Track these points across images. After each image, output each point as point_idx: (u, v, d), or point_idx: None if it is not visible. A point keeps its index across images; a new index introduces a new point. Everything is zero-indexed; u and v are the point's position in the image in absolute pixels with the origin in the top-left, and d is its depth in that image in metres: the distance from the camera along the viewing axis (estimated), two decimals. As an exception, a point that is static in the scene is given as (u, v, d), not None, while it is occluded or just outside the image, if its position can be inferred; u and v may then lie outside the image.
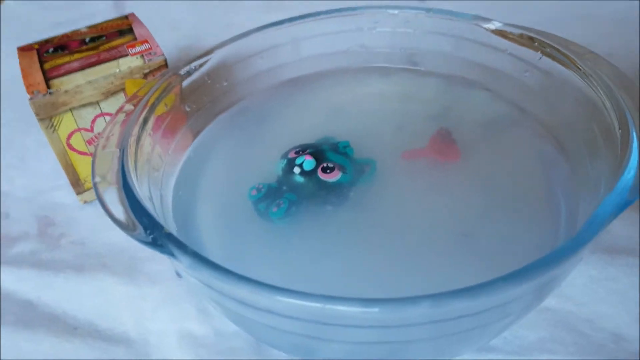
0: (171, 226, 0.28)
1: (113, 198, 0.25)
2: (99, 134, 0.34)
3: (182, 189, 0.31)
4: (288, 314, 0.21)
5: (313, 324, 0.21)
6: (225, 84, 0.35)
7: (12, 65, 0.37)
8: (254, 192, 0.30)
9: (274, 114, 0.37)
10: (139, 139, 0.28)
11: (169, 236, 0.22)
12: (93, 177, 0.26)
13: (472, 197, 0.30)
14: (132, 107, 0.30)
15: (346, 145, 0.32)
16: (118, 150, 0.27)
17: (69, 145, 0.34)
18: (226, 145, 0.35)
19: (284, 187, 0.30)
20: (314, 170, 0.30)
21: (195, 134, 0.34)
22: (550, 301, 0.28)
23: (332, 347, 0.23)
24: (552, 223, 0.28)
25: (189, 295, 0.30)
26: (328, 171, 0.30)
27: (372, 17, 0.38)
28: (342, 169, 0.30)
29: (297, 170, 0.30)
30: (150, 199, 0.27)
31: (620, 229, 0.31)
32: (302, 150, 0.31)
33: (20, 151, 0.42)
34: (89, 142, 0.35)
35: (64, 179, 0.36)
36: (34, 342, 0.29)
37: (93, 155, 0.27)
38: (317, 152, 0.31)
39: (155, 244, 0.22)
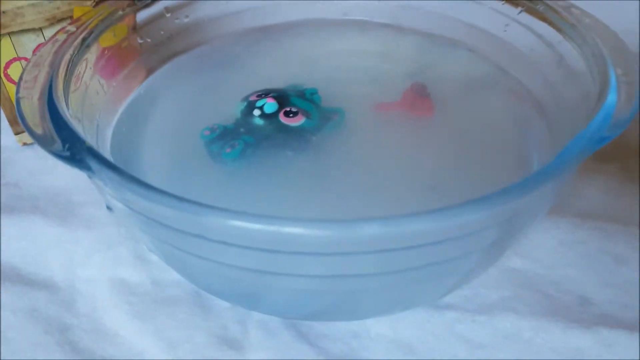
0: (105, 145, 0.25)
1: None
2: (41, 65, 0.31)
3: (126, 125, 0.28)
4: (228, 240, 0.18)
5: (257, 253, 0.18)
6: (186, 20, 0.32)
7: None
8: (207, 133, 0.27)
9: (238, 60, 0.34)
10: (74, 60, 0.25)
11: (90, 150, 0.19)
12: (17, 92, 0.23)
13: (441, 151, 0.28)
14: (75, 29, 0.27)
15: (313, 93, 0.30)
16: (48, 67, 0.24)
17: (7, 76, 0.31)
18: (182, 86, 0.31)
19: (241, 129, 0.27)
20: (276, 114, 0.27)
21: (149, 72, 0.31)
22: (515, 262, 0.27)
23: (276, 291, 0.20)
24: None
25: (126, 241, 0.27)
26: (291, 115, 0.27)
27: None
28: (307, 114, 0.28)
29: (257, 112, 0.27)
30: (80, 121, 0.24)
31: (591, 193, 0.30)
32: (264, 94, 0.29)
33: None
34: (30, 74, 0.31)
35: (2, 121, 0.33)
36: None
37: (21, 72, 0.24)
38: (281, 96, 0.28)
39: (73, 158, 0.19)
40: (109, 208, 0.22)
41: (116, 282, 0.26)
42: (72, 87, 0.24)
